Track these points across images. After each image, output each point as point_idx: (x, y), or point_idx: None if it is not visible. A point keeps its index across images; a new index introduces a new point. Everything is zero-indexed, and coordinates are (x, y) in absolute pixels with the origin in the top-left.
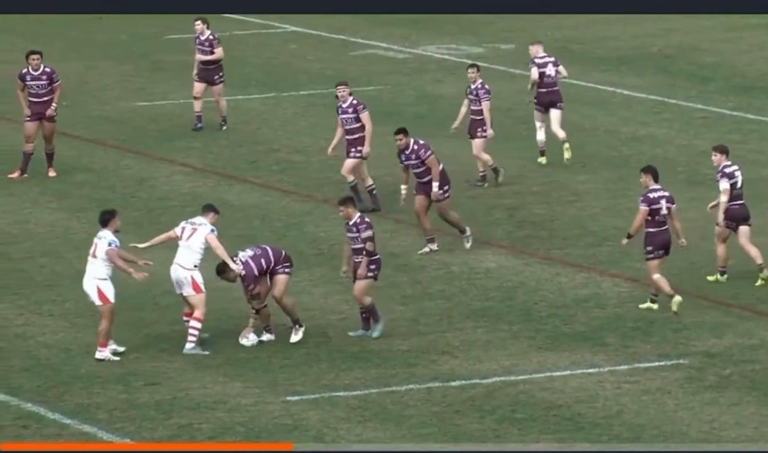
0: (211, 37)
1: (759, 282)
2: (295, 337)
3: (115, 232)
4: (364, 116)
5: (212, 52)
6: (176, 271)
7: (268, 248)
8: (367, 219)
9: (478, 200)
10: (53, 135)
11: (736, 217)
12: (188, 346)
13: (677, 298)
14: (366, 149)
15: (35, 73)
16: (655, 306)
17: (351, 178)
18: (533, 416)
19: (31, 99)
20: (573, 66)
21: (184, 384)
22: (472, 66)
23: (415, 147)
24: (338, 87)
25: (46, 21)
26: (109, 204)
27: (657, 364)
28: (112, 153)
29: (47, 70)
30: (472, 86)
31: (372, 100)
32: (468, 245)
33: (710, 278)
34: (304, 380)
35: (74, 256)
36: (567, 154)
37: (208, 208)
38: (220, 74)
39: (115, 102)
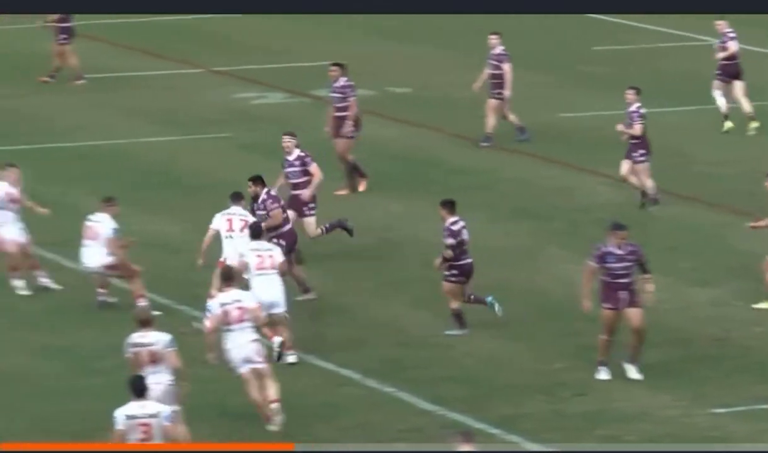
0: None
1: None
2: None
3: None
4: (313, 167)
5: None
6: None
7: None
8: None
9: None
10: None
11: None
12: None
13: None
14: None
15: (335, 85)
16: None
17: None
18: None
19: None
20: None
21: (611, 395)
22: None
23: (265, 196)
24: (284, 137)
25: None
26: (529, 214)
27: None
28: (528, 161)
29: (344, 83)
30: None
31: None
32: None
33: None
34: (731, 392)
35: (526, 268)
36: (752, 130)
37: (239, 196)
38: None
39: (536, 113)
